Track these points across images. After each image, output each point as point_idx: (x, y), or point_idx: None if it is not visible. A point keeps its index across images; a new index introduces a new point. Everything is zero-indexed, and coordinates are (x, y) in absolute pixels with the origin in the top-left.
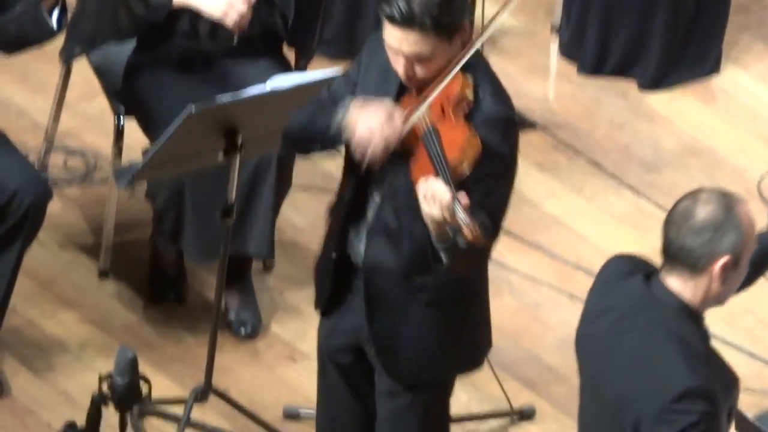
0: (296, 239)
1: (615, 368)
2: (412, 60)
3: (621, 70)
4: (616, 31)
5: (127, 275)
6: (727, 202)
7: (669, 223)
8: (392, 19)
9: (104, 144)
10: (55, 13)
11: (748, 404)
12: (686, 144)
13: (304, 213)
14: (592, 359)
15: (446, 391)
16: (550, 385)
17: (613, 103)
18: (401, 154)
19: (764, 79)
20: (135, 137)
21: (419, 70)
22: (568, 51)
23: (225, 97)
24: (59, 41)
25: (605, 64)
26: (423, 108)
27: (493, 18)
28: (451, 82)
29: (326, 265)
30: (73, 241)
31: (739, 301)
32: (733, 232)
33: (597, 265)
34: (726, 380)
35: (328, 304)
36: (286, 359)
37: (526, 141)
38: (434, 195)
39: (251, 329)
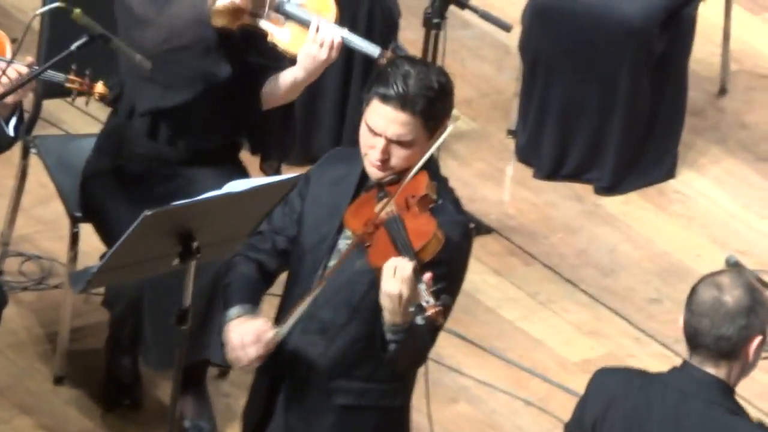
0: None
1: None
2: (391, 143)
3: (577, 174)
4: (572, 136)
5: (83, 381)
6: (748, 282)
7: (698, 316)
8: (386, 98)
9: (60, 249)
10: (13, 121)
11: None
12: (642, 248)
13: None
14: None
15: None
16: None
17: (570, 208)
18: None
19: (720, 183)
20: (91, 243)
21: (394, 156)
22: (524, 155)
23: (180, 202)
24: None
25: (561, 169)
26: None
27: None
28: (418, 181)
29: (260, 381)
30: (28, 346)
31: None
32: (762, 311)
33: (553, 372)
34: None
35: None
36: None
37: (482, 246)
38: (400, 271)
39: None
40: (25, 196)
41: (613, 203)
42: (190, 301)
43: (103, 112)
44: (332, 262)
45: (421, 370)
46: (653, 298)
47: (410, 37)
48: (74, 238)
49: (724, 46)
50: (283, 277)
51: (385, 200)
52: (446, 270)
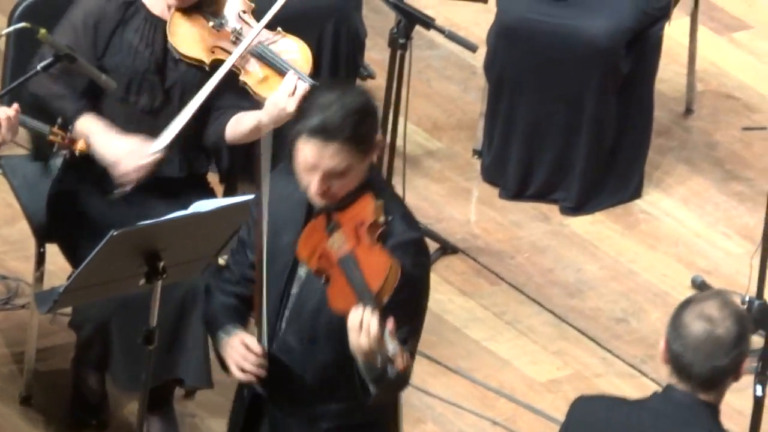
0: (218, 367)
1: None
2: (328, 175)
3: (543, 194)
4: (538, 155)
5: (49, 401)
6: (734, 309)
7: (693, 350)
8: (311, 133)
9: (26, 269)
10: None
11: None
12: (609, 268)
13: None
14: None
15: None
16: None
17: (536, 228)
18: (308, 280)
19: (686, 203)
20: (57, 263)
21: (334, 186)
22: (489, 175)
23: (146, 221)
24: None
25: (528, 189)
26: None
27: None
28: (364, 207)
29: (240, 399)
30: None
31: None
32: (749, 333)
33: (519, 392)
34: None
35: None
36: None
37: (449, 266)
38: (363, 326)
39: None
40: None
41: (580, 223)
42: (157, 322)
43: None
44: (294, 290)
45: None
46: (619, 317)
47: (376, 57)
48: (40, 258)
49: (689, 66)
50: None
51: (335, 235)
52: (407, 295)
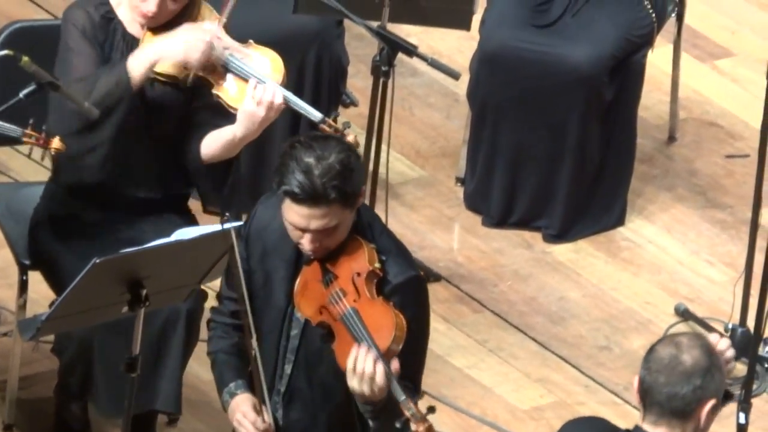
0: (202, 394)
1: None
2: (317, 234)
3: (526, 222)
4: (521, 183)
5: (32, 429)
6: (707, 345)
7: (653, 372)
8: (297, 199)
9: (8, 296)
10: None
11: None
12: (592, 296)
13: (210, 367)
14: None
15: None
16: None
17: (518, 255)
18: (313, 330)
19: (669, 231)
20: (40, 291)
21: (325, 240)
22: (472, 203)
23: (128, 249)
24: None
25: (510, 216)
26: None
27: None
28: (358, 254)
29: None
30: None
31: None
32: (717, 374)
33: (502, 419)
34: None
35: None
36: None
37: (431, 293)
38: (366, 375)
39: None
40: None
41: (563, 251)
42: (140, 349)
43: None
44: (294, 332)
45: None
46: (602, 345)
47: (359, 84)
48: (23, 286)
49: (672, 93)
50: None
51: (333, 288)
52: (412, 335)
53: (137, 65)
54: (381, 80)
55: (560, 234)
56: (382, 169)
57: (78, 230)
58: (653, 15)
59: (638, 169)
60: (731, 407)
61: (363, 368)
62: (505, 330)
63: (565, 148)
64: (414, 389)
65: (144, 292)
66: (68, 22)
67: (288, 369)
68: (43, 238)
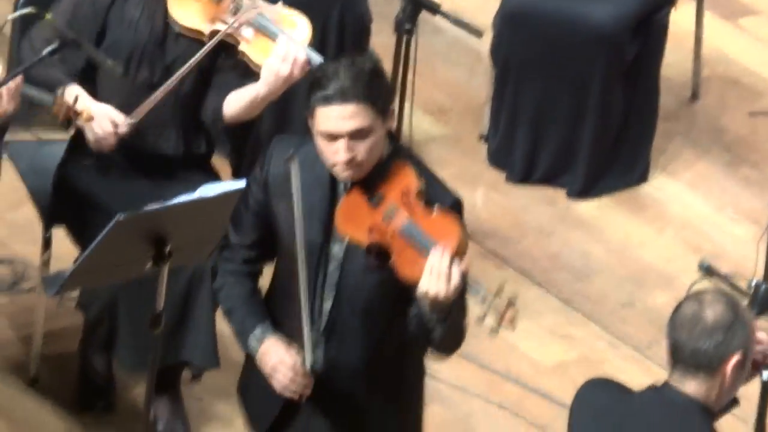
0: (225, 348)
1: None
2: (351, 138)
3: (549, 178)
4: (544, 140)
5: (56, 384)
6: (732, 301)
7: (677, 328)
8: (328, 99)
9: (32, 253)
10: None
11: None
12: (615, 252)
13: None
14: None
15: None
16: None
17: (542, 212)
18: (356, 257)
19: (692, 187)
20: (63, 246)
21: (359, 152)
22: (496, 159)
23: (152, 206)
24: None
25: (534, 173)
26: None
27: None
28: (405, 175)
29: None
30: (2, 349)
31: None
32: (742, 330)
33: (526, 375)
34: None
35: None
36: None
37: None
38: (443, 275)
39: None
40: None
41: (586, 207)
42: (164, 305)
43: None
44: (331, 268)
45: None
46: (626, 302)
47: (382, 42)
48: (47, 242)
49: (695, 51)
50: None
51: (384, 207)
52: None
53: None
54: (404, 38)
55: (584, 190)
56: (405, 127)
57: (101, 187)
58: None
59: (662, 126)
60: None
61: (440, 268)
62: (528, 287)
63: (588, 105)
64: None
65: (168, 248)
66: None
67: (327, 305)
68: (67, 195)
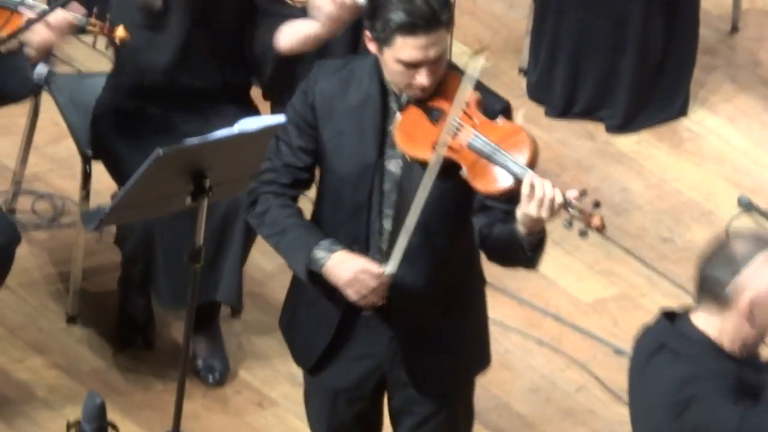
0: (264, 285)
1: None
2: (433, 65)
3: (589, 112)
4: (583, 74)
5: (95, 320)
6: (764, 242)
7: (701, 259)
8: (412, 29)
9: (72, 188)
10: (41, 68)
11: None
12: (654, 187)
13: (272, 258)
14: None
15: (472, 395)
16: None
17: (581, 146)
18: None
19: (732, 121)
20: (103, 181)
21: (438, 73)
22: (535, 93)
23: (192, 140)
24: None
25: (573, 107)
26: (455, 113)
27: None
28: (458, 86)
29: (331, 300)
30: (41, 285)
31: None
32: (765, 271)
33: (565, 311)
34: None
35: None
36: (254, 406)
37: None
38: (545, 197)
39: (219, 376)
40: (37, 135)
41: (625, 142)
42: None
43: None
44: (387, 185)
45: None
46: (665, 237)
47: None
48: (86, 177)
49: None
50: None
51: (450, 120)
52: None
53: None
54: None
55: (623, 124)
56: None
57: (140, 121)
58: None
59: (701, 59)
60: None
61: (543, 191)
62: None
63: (627, 38)
64: None
65: (207, 182)
66: None
67: (387, 224)
68: (106, 130)
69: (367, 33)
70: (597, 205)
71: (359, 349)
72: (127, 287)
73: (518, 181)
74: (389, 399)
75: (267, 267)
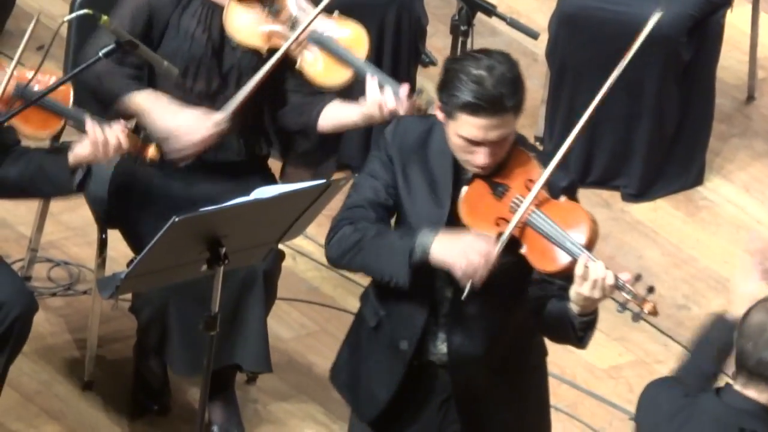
0: (280, 351)
1: None
2: (494, 146)
3: (605, 181)
4: (599, 143)
5: (111, 387)
6: None
7: (744, 337)
8: (476, 110)
9: (88, 255)
10: (79, 174)
11: None
12: (670, 255)
13: (289, 325)
14: None
15: None
16: None
17: (597, 214)
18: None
19: (748, 189)
20: (119, 249)
21: (498, 154)
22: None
23: (208, 208)
24: None
25: (589, 175)
26: (529, 200)
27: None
28: (527, 164)
29: (391, 362)
30: (57, 352)
31: None
32: None
33: (581, 378)
34: None
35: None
36: None
37: None
38: (600, 281)
39: None
40: (54, 202)
41: (641, 210)
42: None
43: None
44: None
45: None
46: (681, 304)
47: (438, 44)
48: (102, 244)
49: (751, 53)
50: (305, 282)
51: (512, 201)
52: None
53: None
54: (460, 40)
55: (639, 193)
56: None
57: (158, 189)
58: None
59: (717, 128)
60: None
61: (596, 274)
62: None
63: (643, 107)
64: None
65: (223, 250)
66: None
67: (449, 293)
68: (123, 197)
69: (437, 101)
70: (651, 290)
71: (415, 414)
72: (143, 354)
73: (574, 261)
74: None
75: (284, 334)
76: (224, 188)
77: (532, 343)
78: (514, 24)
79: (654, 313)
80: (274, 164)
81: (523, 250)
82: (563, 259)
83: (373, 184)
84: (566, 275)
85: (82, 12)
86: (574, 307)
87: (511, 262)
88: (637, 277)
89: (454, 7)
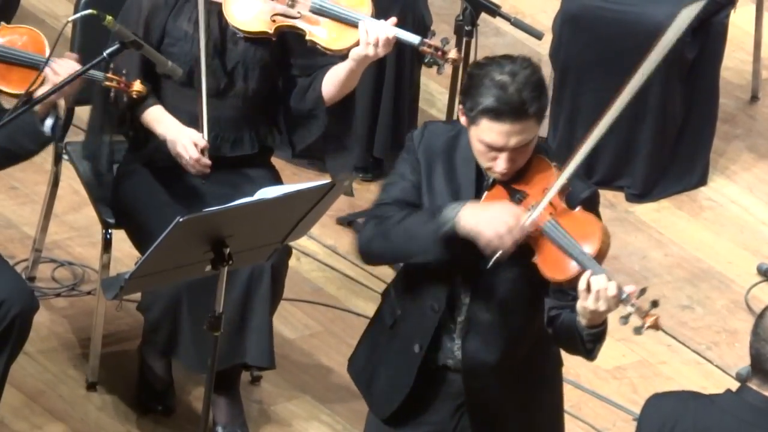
0: (284, 352)
1: None
2: (514, 153)
3: (608, 181)
4: (603, 143)
5: (115, 387)
6: None
7: (760, 340)
8: (498, 115)
9: (92, 255)
10: (49, 121)
11: None
12: (674, 255)
13: (293, 326)
14: None
15: None
16: None
17: (601, 214)
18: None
19: (751, 190)
20: (123, 249)
21: (518, 161)
22: (555, 162)
23: (212, 207)
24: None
25: (593, 176)
26: (542, 205)
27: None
28: (545, 172)
29: (404, 364)
30: (61, 352)
31: None
32: None
33: (585, 378)
34: None
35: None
36: None
37: None
38: (602, 292)
39: None
40: (58, 203)
41: (645, 210)
42: (223, 307)
43: None
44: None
45: None
46: (685, 305)
47: None
48: (106, 244)
49: (755, 53)
50: (309, 282)
51: (529, 208)
52: None
53: None
54: (464, 40)
55: (643, 193)
56: None
57: (160, 188)
58: None
59: (720, 128)
60: None
61: (599, 285)
62: None
63: (647, 108)
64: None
65: (227, 250)
66: None
67: (466, 299)
68: (127, 197)
69: (460, 106)
70: (655, 304)
71: (429, 416)
72: (147, 354)
73: (582, 271)
74: None
75: (287, 334)
76: (227, 182)
77: (547, 353)
78: (518, 24)
79: (656, 327)
80: (277, 163)
81: (535, 259)
82: (572, 269)
83: (403, 184)
84: (575, 285)
85: (86, 12)
86: (582, 320)
87: (529, 270)
88: (642, 291)
89: (458, 7)
